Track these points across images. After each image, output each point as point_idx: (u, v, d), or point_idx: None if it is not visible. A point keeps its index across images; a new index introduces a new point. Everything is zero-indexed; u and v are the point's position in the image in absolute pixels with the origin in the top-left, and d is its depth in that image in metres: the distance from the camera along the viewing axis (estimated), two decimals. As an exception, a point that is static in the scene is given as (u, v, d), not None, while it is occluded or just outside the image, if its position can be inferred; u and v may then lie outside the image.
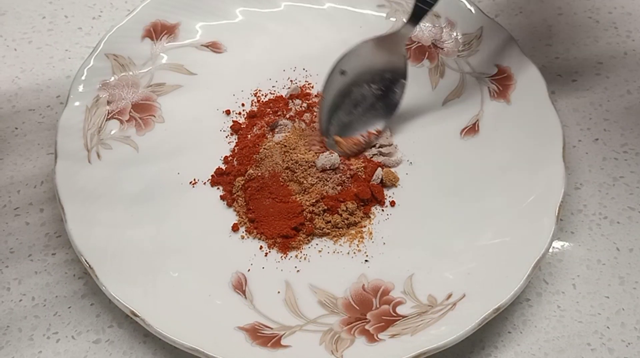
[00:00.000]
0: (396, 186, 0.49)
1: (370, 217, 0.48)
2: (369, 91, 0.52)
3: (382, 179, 0.49)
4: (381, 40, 0.50)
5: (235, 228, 0.47)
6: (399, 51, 0.51)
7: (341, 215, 0.47)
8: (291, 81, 0.55)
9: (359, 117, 0.51)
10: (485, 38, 0.55)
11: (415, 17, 0.49)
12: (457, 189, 0.49)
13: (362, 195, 0.48)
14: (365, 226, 0.48)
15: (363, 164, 0.49)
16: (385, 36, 0.51)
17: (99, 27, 0.60)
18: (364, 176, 0.49)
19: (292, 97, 0.53)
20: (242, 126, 0.52)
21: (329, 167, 0.48)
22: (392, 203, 0.49)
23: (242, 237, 0.47)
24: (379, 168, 0.50)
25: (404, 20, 0.50)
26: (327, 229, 0.47)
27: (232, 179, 0.49)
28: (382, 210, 0.48)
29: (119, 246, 0.45)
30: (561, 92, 0.57)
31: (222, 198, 0.49)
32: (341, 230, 0.47)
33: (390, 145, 0.51)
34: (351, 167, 0.49)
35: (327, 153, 0.49)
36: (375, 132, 0.51)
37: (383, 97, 0.52)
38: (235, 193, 0.49)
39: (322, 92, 0.51)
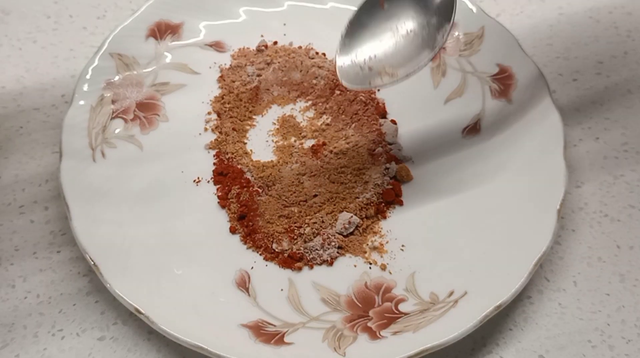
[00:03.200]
0: (410, 181, 0.50)
1: (384, 218, 0.49)
2: (407, 35, 0.46)
3: (395, 175, 0.50)
4: None
5: (232, 230, 0.48)
6: None
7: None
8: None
9: (385, 57, 0.46)
10: (486, 38, 0.55)
11: None
12: (458, 188, 0.49)
13: (386, 197, 0.48)
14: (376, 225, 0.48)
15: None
16: None
17: (104, 26, 0.60)
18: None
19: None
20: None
21: (347, 229, 0.47)
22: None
23: (245, 235, 0.48)
24: (393, 162, 0.50)
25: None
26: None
27: (230, 182, 0.49)
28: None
29: (123, 244, 0.45)
30: (562, 91, 0.57)
31: (218, 197, 0.49)
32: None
33: (395, 143, 0.51)
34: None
35: (347, 215, 0.48)
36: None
37: (420, 43, 0.46)
38: (230, 199, 0.49)
39: (350, 20, 0.46)
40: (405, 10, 0.46)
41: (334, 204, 0.48)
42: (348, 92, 0.54)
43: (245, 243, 0.47)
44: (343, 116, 0.53)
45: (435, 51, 0.45)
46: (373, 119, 0.53)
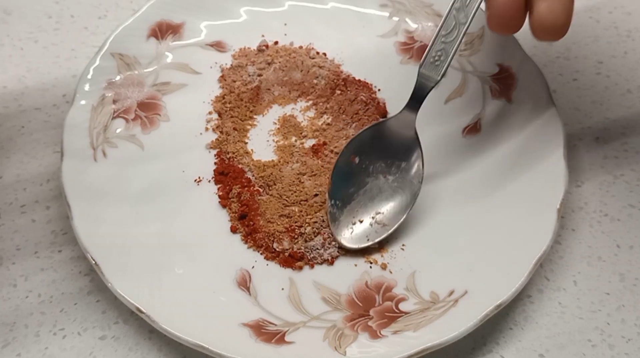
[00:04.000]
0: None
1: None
2: (385, 183, 0.48)
3: None
4: (389, 124, 0.48)
5: (233, 230, 0.48)
6: (410, 135, 0.48)
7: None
8: None
9: (373, 208, 0.48)
10: (487, 37, 0.55)
11: (418, 95, 0.47)
12: (458, 187, 0.49)
13: None
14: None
15: None
16: (392, 119, 0.48)
17: (105, 26, 0.60)
18: None
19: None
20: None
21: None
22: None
23: (246, 234, 0.48)
24: None
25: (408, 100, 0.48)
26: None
27: (230, 181, 0.50)
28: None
29: (124, 244, 0.45)
30: (562, 91, 0.57)
31: (219, 196, 0.49)
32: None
33: None
34: None
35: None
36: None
37: (400, 189, 0.48)
38: (230, 198, 0.49)
39: (330, 179, 0.48)
40: (376, 162, 0.48)
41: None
42: (348, 92, 0.54)
43: (246, 242, 0.47)
44: (344, 115, 0.53)
45: (415, 199, 0.47)
46: (374, 118, 0.53)
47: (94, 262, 0.43)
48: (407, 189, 0.47)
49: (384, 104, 0.54)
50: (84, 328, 0.45)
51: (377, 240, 0.47)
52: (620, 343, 0.44)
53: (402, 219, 0.47)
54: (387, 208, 0.47)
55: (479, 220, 0.47)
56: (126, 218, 0.47)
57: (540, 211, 0.46)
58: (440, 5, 0.57)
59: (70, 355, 0.43)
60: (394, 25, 0.58)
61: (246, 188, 0.49)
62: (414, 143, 0.47)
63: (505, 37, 0.54)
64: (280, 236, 0.47)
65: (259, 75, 0.55)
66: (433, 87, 0.46)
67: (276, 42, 0.57)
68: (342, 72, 0.56)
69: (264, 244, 0.47)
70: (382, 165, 0.48)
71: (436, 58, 0.45)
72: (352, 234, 0.47)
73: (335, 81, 0.55)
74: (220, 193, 0.49)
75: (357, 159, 0.48)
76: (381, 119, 0.50)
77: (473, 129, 0.52)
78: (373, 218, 0.47)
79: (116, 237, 0.45)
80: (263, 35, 0.57)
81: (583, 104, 0.56)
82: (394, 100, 0.54)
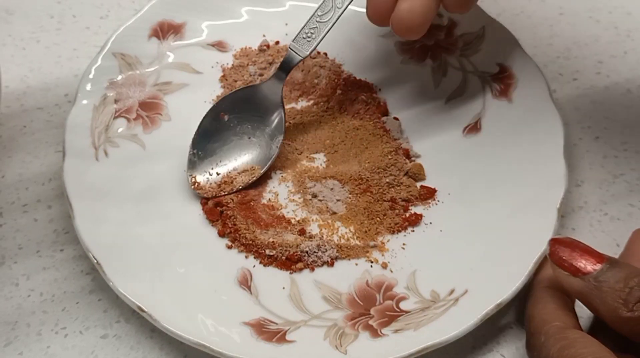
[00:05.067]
0: (424, 180, 0.50)
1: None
2: (248, 143, 0.51)
3: (407, 171, 0.50)
4: (260, 89, 0.51)
5: (221, 234, 0.48)
6: (277, 101, 0.51)
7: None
8: None
9: (231, 165, 0.50)
10: (487, 37, 0.55)
11: (286, 66, 0.50)
12: (459, 186, 0.49)
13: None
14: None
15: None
16: (262, 85, 0.51)
17: (107, 26, 0.60)
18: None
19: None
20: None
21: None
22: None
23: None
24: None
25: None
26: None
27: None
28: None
29: (126, 243, 0.45)
30: (562, 90, 0.57)
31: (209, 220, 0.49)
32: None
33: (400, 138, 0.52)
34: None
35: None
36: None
37: (260, 150, 0.51)
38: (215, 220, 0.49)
39: (197, 130, 0.50)
40: (243, 123, 0.51)
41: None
42: (349, 92, 0.54)
43: (239, 252, 0.47)
44: (345, 113, 0.54)
45: (272, 160, 0.50)
46: (375, 117, 0.53)
47: (95, 261, 0.43)
48: (265, 152, 0.50)
49: (385, 103, 0.54)
50: (85, 327, 0.45)
51: (227, 193, 0.49)
52: (620, 342, 0.44)
53: (252, 180, 0.49)
54: (244, 165, 0.50)
55: (479, 219, 0.47)
56: (128, 217, 0.47)
57: (541, 210, 0.46)
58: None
59: (72, 353, 0.44)
60: (394, 25, 0.58)
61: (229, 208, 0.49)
62: (279, 110, 0.51)
63: (505, 37, 0.54)
64: (271, 245, 0.47)
65: (260, 75, 0.55)
66: (301, 60, 0.50)
67: (277, 42, 0.57)
68: (343, 71, 0.56)
69: (256, 253, 0.47)
70: (248, 127, 0.51)
71: (309, 35, 0.50)
72: (207, 184, 0.49)
73: (336, 80, 0.55)
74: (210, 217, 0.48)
75: (226, 117, 0.51)
76: (251, 84, 0.53)
77: (473, 128, 0.52)
78: (229, 173, 0.50)
79: (118, 236, 0.45)
80: (264, 35, 0.57)
81: (583, 104, 0.56)
82: (395, 99, 0.54)
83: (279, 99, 0.51)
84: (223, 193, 0.49)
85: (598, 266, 0.38)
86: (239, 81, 0.55)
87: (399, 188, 0.49)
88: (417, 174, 0.50)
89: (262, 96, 0.51)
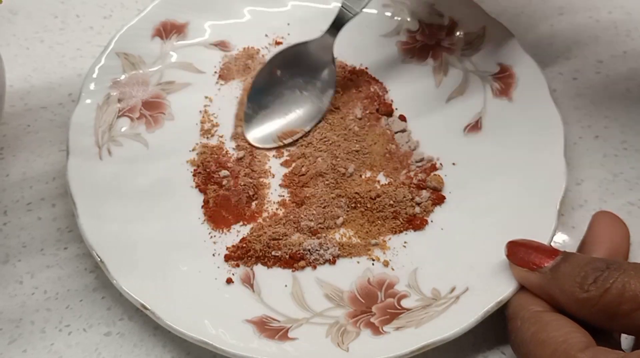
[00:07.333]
0: (441, 190, 0.50)
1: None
2: (300, 96, 0.53)
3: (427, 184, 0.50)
4: (311, 45, 0.53)
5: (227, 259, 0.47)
6: (328, 58, 0.53)
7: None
8: None
9: (285, 118, 0.53)
10: (487, 37, 0.55)
11: (338, 22, 0.52)
12: (460, 185, 0.50)
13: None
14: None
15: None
16: (314, 41, 0.53)
17: (110, 26, 0.61)
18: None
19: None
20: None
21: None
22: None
23: (250, 232, 0.48)
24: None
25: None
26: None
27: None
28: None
29: (129, 241, 0.46)
30: (562, 90, 0.57)
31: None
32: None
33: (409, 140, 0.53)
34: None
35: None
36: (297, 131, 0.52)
37: (312, 104, 0.53)
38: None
39: (252, 85, 0.53)
40: (295, 77, 0.53)
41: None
42: (352, 92, 0.55)
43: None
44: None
45: (323, 114, 0.53)
46: (378, 117, 0.53)
47: (99, 259, 0.43)
48: (317, 106, 0.53)
49: (390, 102, 0.54)
50: (89, 324, 0.45)
51: (281, 145, 0.52)
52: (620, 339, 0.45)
53: (307, 130, 0.52)
54: (297, 118, 0.52)
55: (479, 217, 0.48)
56: (131, 215, 0.47)
57: (540, 208, 0.46)
58: (440, 5, 0.57)
59: (75, 351, 0.44)
60: (396, 25, 0.58)
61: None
62: (330, 66, 0.53)
63: (505, 36, 0.55)
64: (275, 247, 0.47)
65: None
66: (352, 17, 0.52)
67: (279, 42, 0.57)
68: (346, 65, 0.56)
69: (257, 257, 0.47)
70: (300, 81, 0.53)
71: None
72: (261, 136, 0.52)
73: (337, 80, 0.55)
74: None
75: (278, 72, 0.53)
76: (303, 41, 0.54)
77: (474, 127, 0.52)
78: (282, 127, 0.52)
79: (121, 234, 0.46)
80: (266, 35, 0.58)
81: (583, 103, 0.56)
82: (397, 98, 0.54)
83: (330, 55, 0.53)
84: (276, 145, 0.51)
85: (553, 259, 0.40)
86: (241, 80, 0.55)
87: (412, 206, 0.49)
88: (437, 186, 0.49)
89: (314, 52, 0.53)
